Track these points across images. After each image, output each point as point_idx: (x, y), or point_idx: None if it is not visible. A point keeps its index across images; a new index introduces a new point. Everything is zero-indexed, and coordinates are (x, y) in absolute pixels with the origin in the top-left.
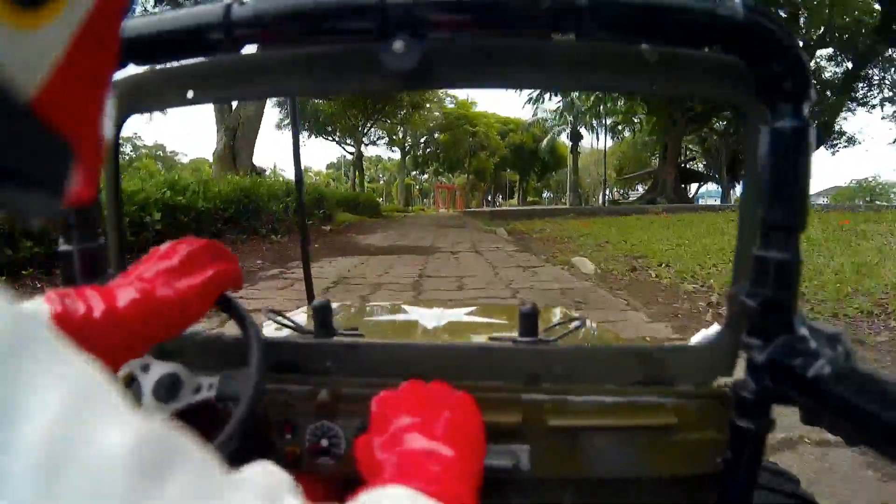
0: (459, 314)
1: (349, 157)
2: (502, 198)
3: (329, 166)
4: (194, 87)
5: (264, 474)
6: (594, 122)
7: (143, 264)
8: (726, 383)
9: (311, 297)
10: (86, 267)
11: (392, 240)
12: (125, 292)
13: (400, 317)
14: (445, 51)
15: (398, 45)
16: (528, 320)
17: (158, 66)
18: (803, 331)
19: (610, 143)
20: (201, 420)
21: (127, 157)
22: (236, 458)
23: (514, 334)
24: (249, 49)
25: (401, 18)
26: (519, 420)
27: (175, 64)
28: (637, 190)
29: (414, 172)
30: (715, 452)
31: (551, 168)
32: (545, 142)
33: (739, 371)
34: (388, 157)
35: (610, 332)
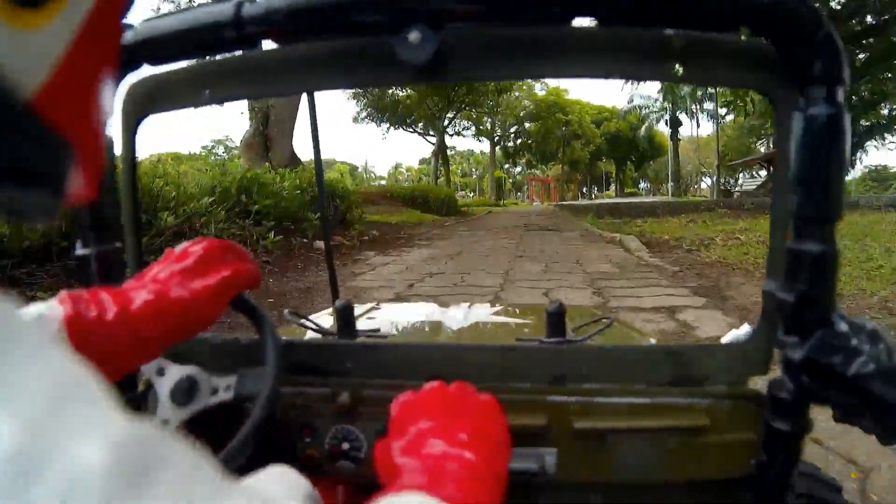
0: (485, 313)
1: (449, 151)
2: (597, 189)
3: (421, 161)
4: (210, 86)
5: (270, 481)
6: (694, 106)
7: (158, 266)
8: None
9: (335, 297)
10: (103, 270)
11: (429, 265)
12: (139, 294)
13: (425, 317)
14: (462, 42)
15: (413, 36)
16: (555, 320)
17: (173, 67)
18: (842, 327)
19: (710, 128)
20: (220, 422)
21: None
22: (255, 460)
23: (541, 335)
24: (265, 45)
25: (415, 9)
26: (544, 422)
27: (190, 63)
28: (740, 178)
29: (506, 166)
30: (748, 455)
31: (648, 157)
32: (643, 129)
33: (775, 370)
34: (481, 151)
35: (638, 332)
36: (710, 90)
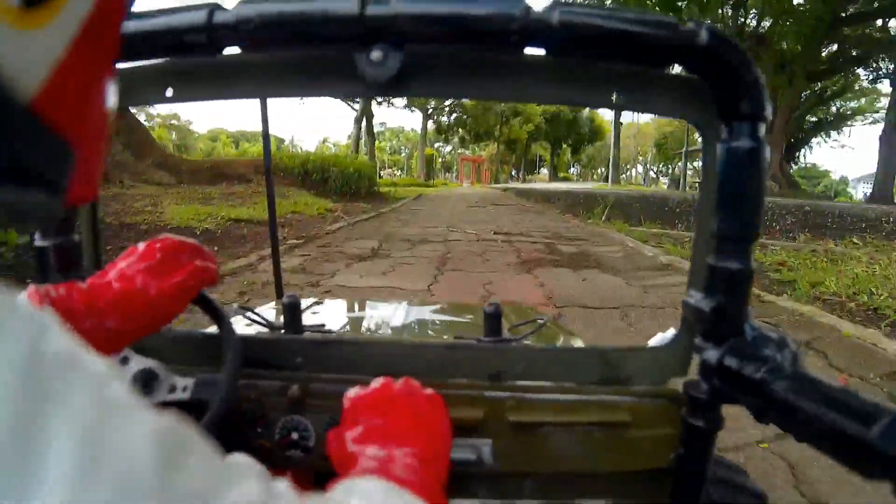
0: (425, 312)
1: (378, 127)
2: (526, 173)
3: (351, 137)
4: (174, 86)
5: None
6: None
7: (122, 261)
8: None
9: (280, 292)
10: (62, 262)
11: None
12: (104, 289)
13: (367, 313)
14: (422, 62)
15: (376, 54)
16: (493, 320)
17: (138, 64)
18: (752, 335)
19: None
20: (176, 413)
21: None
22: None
23: (479, 332)
24: (229, 51)
25: (380, 28)
26: (482, 416)
27: (155, 62)
28: (677, 168)
29: (438, 144)
30: (668, 449)
31: (586, 140)
32: (587, 110)
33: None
34: (412, 129)
35: (571, 333)
36: None
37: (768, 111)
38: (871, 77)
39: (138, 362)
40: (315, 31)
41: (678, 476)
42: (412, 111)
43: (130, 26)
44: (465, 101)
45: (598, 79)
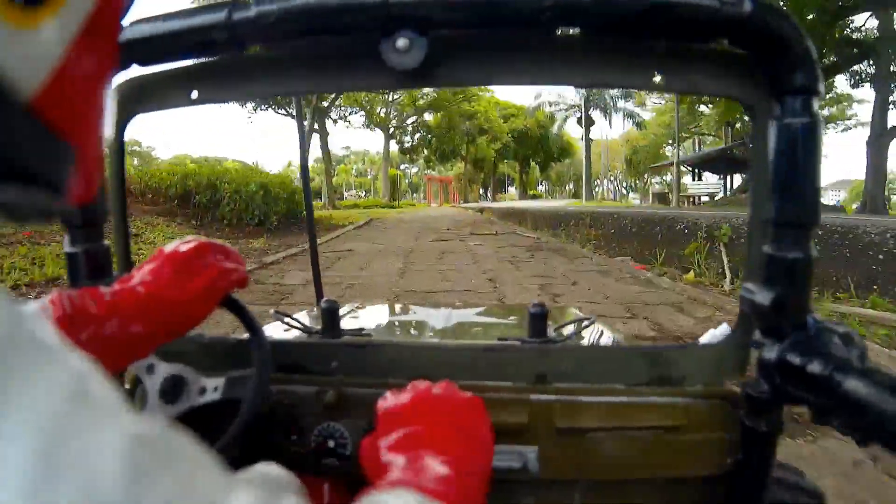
0: (469, 314)
1: (342, 151)
2: (492, 192)
3: (317, 160)
4: (198, 88)
5: (266, 475)
6: (610, 103)
7: (148, 264)
8: (737, 383)
9: (319, 296)
10: (92, 268)
11: None
12: (129, 293)
13: (409, 317)
14: (450, 48)
15: (402, 42)
16: (537, 320)
17: (162, 67)
18: (816, 330)
19: (621, 130)
20: (207, 420)
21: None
22: (242, 459)
23: (524, 334)
24: (254, 48)
25: (404, 15)
26: (526, 421)
27: (178, 64)
28: (651, 182)
29: (403, 166)
30: (725, 453)
31: (555, 158)
32: (556, 126)
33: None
34: (377, 152)
35: (619, 333)
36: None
37: (822, 84)
38: (851, 82)
39: (165, 369)
40: (337, 19)
41: (737, 482)
42: (373, 130)
43: (151, 29)
44: (428, 119)
45: (638, 58)
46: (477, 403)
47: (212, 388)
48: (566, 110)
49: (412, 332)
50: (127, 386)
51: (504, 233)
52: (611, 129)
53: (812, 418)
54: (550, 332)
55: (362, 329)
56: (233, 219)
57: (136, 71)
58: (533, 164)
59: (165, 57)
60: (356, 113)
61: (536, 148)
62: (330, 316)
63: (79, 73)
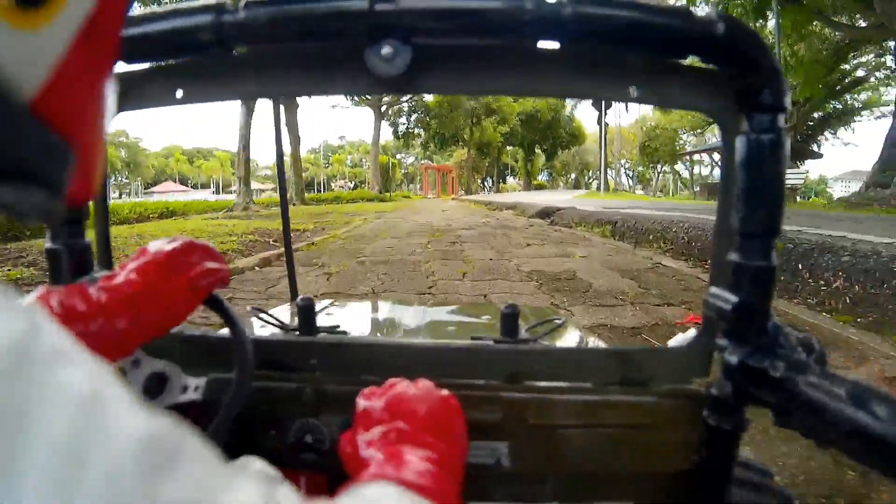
0: (442, 313)
1: (339, 141)
2: (492, 181)
3: (311, 151)
4: (183, 87)
5: (257, 468)
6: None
7: (132, 262)
8: (702, 384)
9: (294, 294)
10: (73, 264)
11: None
12: (114, 290)
13: (384, 315)
14: (433, 57)
15: (386, 50)
16: (509, 320)
17: (147, 65)
18: (777, 334)
19: (636, 115)
20: (188, 416)
21: None
22: (223, 454)
23: (497, 334)
24: (240, 50)
25: (389, 24)
26: (499, 418)
27: (164, 63)
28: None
29: (399, 155)
30: (690, 450)
31: (566, 145)
32: (569, 108)
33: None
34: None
35: (588, 333)
36: None
37: (788, 101)
38: None
39: (150, 364)
40: (324, 26)
41: (701, 478)
42: (358, 105)
43: (139, 28)
44: (428, 98)
45: (615, 71)
46: (452, 401)
47: (193, 386)
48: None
49: (388, 329)
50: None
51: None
52: (627, 113)
53: (774, 420)
54: (522, 333)
55: (338, 326)
56: None
57: (121, 68)
58: (538, 151)
59: (152, 56)
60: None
61: (544, 133)
62: (305, 313)
63: (79, 73)
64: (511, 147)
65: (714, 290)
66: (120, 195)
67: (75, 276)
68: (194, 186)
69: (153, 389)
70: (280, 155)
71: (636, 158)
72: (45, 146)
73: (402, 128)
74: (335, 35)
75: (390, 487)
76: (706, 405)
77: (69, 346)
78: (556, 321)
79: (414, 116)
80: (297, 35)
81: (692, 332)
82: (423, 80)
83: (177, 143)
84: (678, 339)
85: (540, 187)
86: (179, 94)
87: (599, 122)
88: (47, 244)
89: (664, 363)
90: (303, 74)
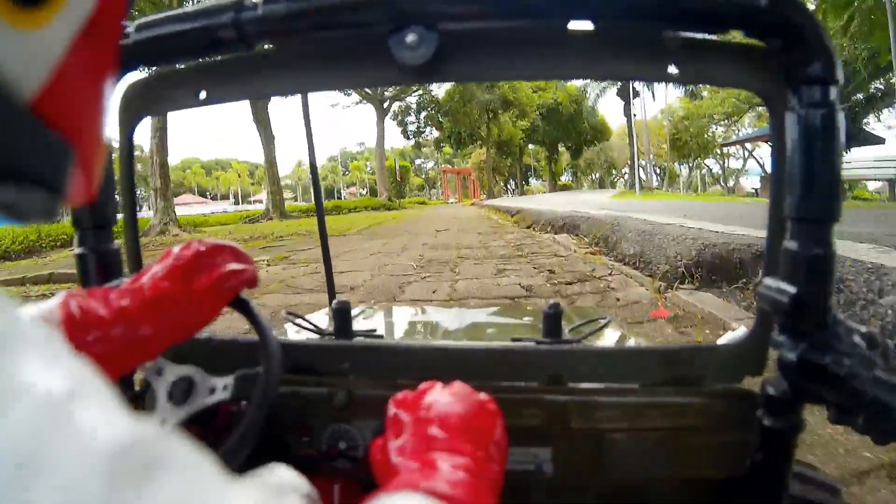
0: (482, 315)
1: (358, 147)
2: (512, 183)
3: (330, 159)
4: (206, 88)
5: (272, 478)
6: None
7: (156, 265)
8: (755, 383)
9: (332, 297)
10: (102, 269)
11: None
12: (136, 293)
13: (422, 318)
14: (460, 43)
15: (411, 37)
16: (552, 320)
17: (169, 68)
18: (837, 328)
19: (662, 104)
20: (218, 423)
21: None
22: (252, 460)
23: (538, 335)
24: (261, 47)
25: (413, 10)
26: (541, 422)
27: (186, 65)
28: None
29: (420, 160)
30: (743, 454)
31: (590, 141)
32: (592, 98)
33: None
34: (393, 147)
35: (633, 333)
36: None
37: (840, 73)
38: None
39: (173, 371)
40: (344, 15)
41: (755, 483)
42: (359, 103)
43: (160, 29)
44: (438, 93)
45: (652, 50)
46: (490, 405)
47: (221, 386)
48: (600, 83)
49: (425, 333)
50: (137, 388)
51: None
52: (654, 101)
53: (830, 417)
54: (566, 333)
55: (374, 330)
56: None
57: (143, 72)
58: (562, 149)
59: (172, 57)
60: None
61: (567, 129)
62: (341, 316)
63: (79, 73)
64: (533, 146)
65: (769, 281)
66: (140, 208)
67: (104, 281)
68: (213, 198)
69: (179, 395)
70: (312, 155)
71: (665, 153)
72: (45, 146)
73: (411, 127)
74: (356, 24)
75: (418, 498)
76: (760, 405)
77: (46, 343)
78: (601, 320)
79: (423, 114)
80: (316, 26)
81: (743, 329)
82: (451, 67)
83: (194, 155)
84: (730, 336)
85: (566, 188)
86: (203, 95)
87: (626, 113)
88: (76, 250)
89: (715, 361)
90: (326, 68)
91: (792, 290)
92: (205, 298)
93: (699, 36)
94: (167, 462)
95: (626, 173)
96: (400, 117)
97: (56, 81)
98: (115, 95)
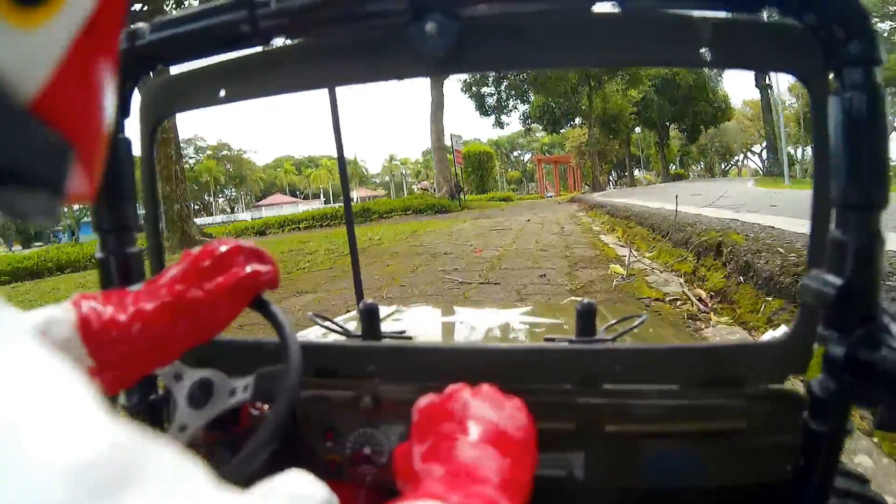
0: (513, 315)
1: (448, 141)
2: (616, 174)
3: (425, 153)
4: (226, 86)
5: (283, 488)
6: None
7: (174, 267)
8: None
9: (359, 299)
10: (124, 273)
11: None
12: (153, 295)
13: (451, 318)
14: (482, 31)
15: (431, 26)
16: (586, 319)
17: (188, 67)
18: (888, 322)
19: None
20: (241, 428)
21: (193, 161)
22: (276, 464)
23: (572, 335)
24: (280, 43)
25: None
26: (574, 426)
27: (206, 63)
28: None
29: (516, 153)
30: (787, 458)
31: (708, 121)
32: (715, 70)
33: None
34: (488, 139)
35: (673, 330)
36: None
37: (882, 52)
38: None
39: (192, 375)
40: (360, 6)
41: (798, 490)
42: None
43: (178, 28)
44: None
45: (682, 33)
46: (518, 407)
47: (241, 387)
48: None
49: (455, 333)
50: (161, 392)
51: None
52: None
53: (876, 421)
54: (600, 332)
55: (403, 332)
56: None
57: (162, 73)
58: (674, 132)
59: (189, 55)
60: None
61: (683, 106)
62: (369, 318)
63: (79, 73)
64: (638, 131)
65: (813, 272)
66: (232, 210)
67: (125, 284)
68: (305, 197)
69: (200, 399)
70: (341, 151)
71: (796, 134)
72: (45, 146)
73: (489, 101)
74: (372, 15)
75: None
76: (805, 406)
77: (19, 333)
78: (637, 318)
79: (505, 82)
80: (332, 19)
81: (785, 329)
82: (473, 56)
83: (287, 153)
84: (772, 334)
85: (678, 177)
86: (223, 93)
87: (759, 85)
88: (98, 253)
89: (757, 360)
90: (344, 62)
91: (838, 281)
92: (221, 299)
93: (731, 17)
94: (145, 475)
95: (738, 160)
96: (473, 88)
97: (56, 81)
98: (134, 98)
